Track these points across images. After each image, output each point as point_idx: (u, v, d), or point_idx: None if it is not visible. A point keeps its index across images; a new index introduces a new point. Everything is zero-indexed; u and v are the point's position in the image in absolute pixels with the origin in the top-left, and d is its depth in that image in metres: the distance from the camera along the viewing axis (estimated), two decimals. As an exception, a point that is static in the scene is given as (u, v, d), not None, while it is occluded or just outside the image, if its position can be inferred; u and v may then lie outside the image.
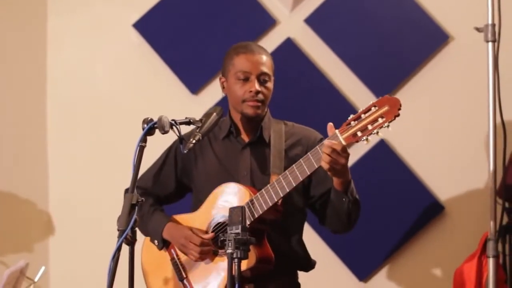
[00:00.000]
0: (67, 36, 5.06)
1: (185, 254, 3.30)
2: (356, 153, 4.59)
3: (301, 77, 4.69)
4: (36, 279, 4.23)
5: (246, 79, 3.30)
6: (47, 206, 5.03)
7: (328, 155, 2.93)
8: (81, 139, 5.01)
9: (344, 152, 2.96)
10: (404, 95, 4.57)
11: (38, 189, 5.03)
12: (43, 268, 4.26)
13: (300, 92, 4.67)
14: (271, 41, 4.71)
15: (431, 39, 4.58)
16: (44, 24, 5.05)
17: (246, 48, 3.36)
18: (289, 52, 4.71)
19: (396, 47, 4.62)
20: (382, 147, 4.60)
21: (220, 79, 3.44)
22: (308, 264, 3.44)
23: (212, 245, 3.25)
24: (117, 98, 4.96)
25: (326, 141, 2.96)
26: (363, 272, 4.62)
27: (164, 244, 3.39)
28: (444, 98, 4.58)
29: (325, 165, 2.97)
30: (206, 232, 3.27)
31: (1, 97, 4.96)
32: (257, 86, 3.28)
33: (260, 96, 3.30)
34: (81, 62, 5.03)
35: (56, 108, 5.06)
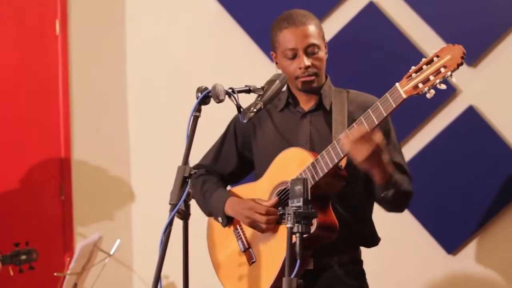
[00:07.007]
0: (145, 5, 5.04)
1: (252, 227, 3.17)
2: (443, 120, 4.42)
3: (384, 41, 4.52)
4: (111, 252, 4.22)
5: (294, 56, 3.18)
6: (129, 177, 5.04)
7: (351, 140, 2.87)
8: (160, 109, 5.00)
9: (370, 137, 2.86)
10: (494, 58, 4.36)
11: (120, 160, 5.03)
12: (118, 241, 4.25)
13: (384, 56, 4.50)
14: (353, 5, 4.58)
15: (523, -2, 4.33)
16: (123, -6, 5.06)
17: (288, 21, 3.21)
18: (372, 16, 4.55)
19: (485, 8, 4.37)
20: (471, 113, 4.38)
21: (272, 54, 3.33)
22: (372, 240, 3.28)
23: (277, 211, 3.12)
24: (196, 67, 4.90)
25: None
26: (451, 244, 4.44)
27: (228, 221, 3.29)
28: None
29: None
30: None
31: (83, 69, 4.97)
32: (306, 61, 3.16)
33: (312, 70, 3.17)
34: (159, 31, 5.01)
35: (135, 78, 5.07)
